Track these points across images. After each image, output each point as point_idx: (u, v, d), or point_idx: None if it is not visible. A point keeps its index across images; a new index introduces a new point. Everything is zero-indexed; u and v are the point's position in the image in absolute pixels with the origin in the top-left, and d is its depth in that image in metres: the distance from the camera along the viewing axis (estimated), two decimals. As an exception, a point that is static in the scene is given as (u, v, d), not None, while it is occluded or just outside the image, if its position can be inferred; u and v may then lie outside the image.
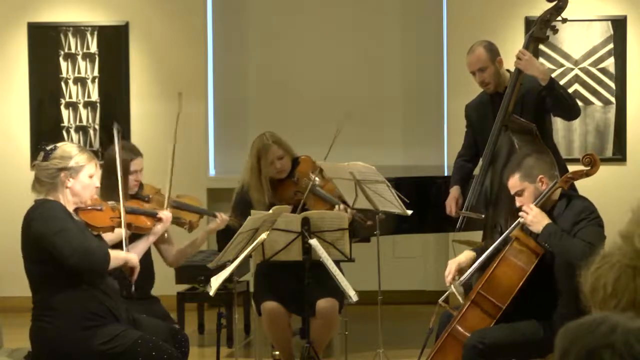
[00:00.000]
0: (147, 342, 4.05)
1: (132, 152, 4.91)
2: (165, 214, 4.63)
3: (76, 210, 4.14)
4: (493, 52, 5.27)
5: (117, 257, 4.10)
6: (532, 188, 4.28)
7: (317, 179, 5.21)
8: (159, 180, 5.12)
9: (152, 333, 4.19)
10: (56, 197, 4.06)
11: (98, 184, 4.18)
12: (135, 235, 4.56)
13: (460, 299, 4.42)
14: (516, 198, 4.34)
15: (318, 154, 5.45)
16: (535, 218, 4.23)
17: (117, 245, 4.31)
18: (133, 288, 4.27)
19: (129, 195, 4.80)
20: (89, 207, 4.21)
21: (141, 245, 4.57)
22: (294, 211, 5.06)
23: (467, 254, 4.50)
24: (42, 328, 4.02)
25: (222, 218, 5.05)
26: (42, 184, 4.08)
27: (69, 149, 4.10)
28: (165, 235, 4.79)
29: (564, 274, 4.19)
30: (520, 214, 4.29)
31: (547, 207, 4.29)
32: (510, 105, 5.13)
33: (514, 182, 4.31)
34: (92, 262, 3.95)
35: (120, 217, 4.30)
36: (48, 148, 4.11)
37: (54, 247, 3.91)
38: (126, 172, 4.75)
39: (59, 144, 4.14)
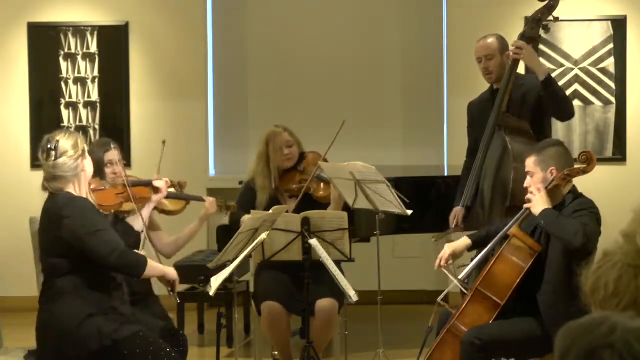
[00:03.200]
0: (147, 336, 4.08)
1: (103, 146, 4.94)
2: (159, 183, 4.84)
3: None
4: (503, 44, 5.31)
5: (155, 267, 4.25)
6: (542, 176, 4.32)
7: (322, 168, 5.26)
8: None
9: (152, 329, 4.24)
10: (77, 185, 4.13)
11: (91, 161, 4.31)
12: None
13: (454, 279, 4.46)
14: (527, 177, 4.39)
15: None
16: (538, 201, 4.26)
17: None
18: (177, 300, 4.50)
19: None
20: (95, 189, 4.36)
21: (145, 213, 4.79)
22: (297, 199, 5.17)
23: (463, 240, 4.60)
24: (49, 315, 4.09)
25: (210, 201, 5.11)
26: (61, 180, 4.11)
27: (66, 138, 4.15)
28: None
29: (563, 272, 4.20)
30: (529, 195, 4.32)
31: (555, 203, 4.31)
32: (504, 105, 5.14)
33: (529, 163, 4.37)
34: (129, 264, 4.10)
35: (123, 192, 4.54)
36: (51, 146, 4.12)
37: (90, 247, 4.02)
38: (101, 167, 4.79)
39: (56, 139, 4.13)
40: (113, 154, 4.88)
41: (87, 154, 4.19)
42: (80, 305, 4.05)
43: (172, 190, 5.02)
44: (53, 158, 4.10)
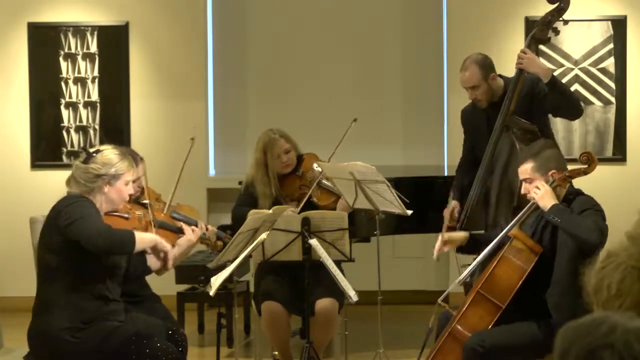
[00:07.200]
0: (142, 338, 4.08)
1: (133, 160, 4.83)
2: (192, 231, 4.55)
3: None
4: (486, 68, 5.21)
5: (143, 238, 4.12)
6: (542, 181, 4.27)
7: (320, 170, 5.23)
8: (158, 180, 5.08)
9: (149, 331, 4.21)
10: (94, 202, 4.13)
11: (132, 191, 4.25)
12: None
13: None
14: (523, 184, 4.35)
15: (318, 154, 5.47)
16: (545, 195, 4.20)
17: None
18: (170, 269, 4.36)
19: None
20: (116, 214, 4.26)
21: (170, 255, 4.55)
22: (299, 204, 5.13)
23: (461, 233, 4.74)
24: (41, 323, 4.08)
25: (201, 228, 4.75)
26: (78, 184, 4.12)
27: (112, 155, 4.14)
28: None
29: (572, 272, 4.18)
30: (531, 192, 4.26)
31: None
32: (512, 106, 5.14)
33: (525, 170, 4.31)
34: (117, 242, 3.98)
35: (142, 229, 4.36)
36: (91, 151, 4.16)
37: (79, 231, 3.95)
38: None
39: (102, 148, 4.18)
40: (140, 170, 4.67)
41: (119, 186, 4.12)
42: (71, 315, 4.03)
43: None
44: (82, 160, 4.13)
